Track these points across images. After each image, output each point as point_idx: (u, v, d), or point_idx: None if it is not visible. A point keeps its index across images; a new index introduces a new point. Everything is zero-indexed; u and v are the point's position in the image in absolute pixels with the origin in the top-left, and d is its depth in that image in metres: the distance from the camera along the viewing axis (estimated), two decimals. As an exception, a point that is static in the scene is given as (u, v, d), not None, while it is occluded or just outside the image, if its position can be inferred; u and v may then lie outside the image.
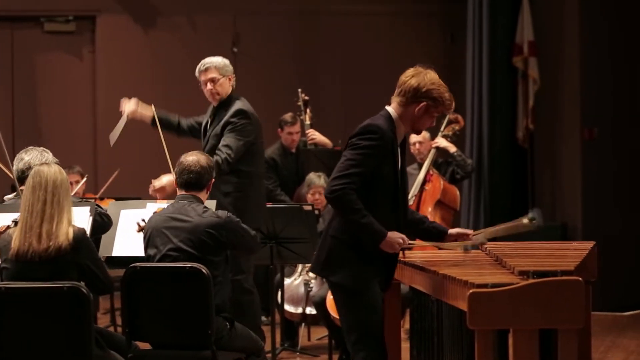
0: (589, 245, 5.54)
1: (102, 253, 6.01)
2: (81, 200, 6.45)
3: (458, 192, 8.84)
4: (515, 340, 4.37)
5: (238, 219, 5.73)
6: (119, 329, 7.93)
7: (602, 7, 10.18)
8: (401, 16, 11.85)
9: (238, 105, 7.02)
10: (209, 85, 7.05)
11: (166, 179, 6.83)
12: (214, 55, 7.17)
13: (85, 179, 8.71)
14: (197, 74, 7.12)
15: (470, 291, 4.36)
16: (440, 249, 5.55)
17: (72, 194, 5.70)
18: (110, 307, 9.13)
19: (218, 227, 5.57)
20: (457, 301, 4.61)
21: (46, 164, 5.33)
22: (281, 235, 7.26)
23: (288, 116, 9.46)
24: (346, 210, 4.91)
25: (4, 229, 5.40)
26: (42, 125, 11.77)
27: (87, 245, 5.24)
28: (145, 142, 11.44)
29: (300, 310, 8.21)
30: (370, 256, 5.01)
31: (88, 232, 5.50)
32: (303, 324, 8.43)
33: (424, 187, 8.65)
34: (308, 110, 9.52)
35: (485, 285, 4.37)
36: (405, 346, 5.80)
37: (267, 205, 7.32)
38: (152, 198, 6.49)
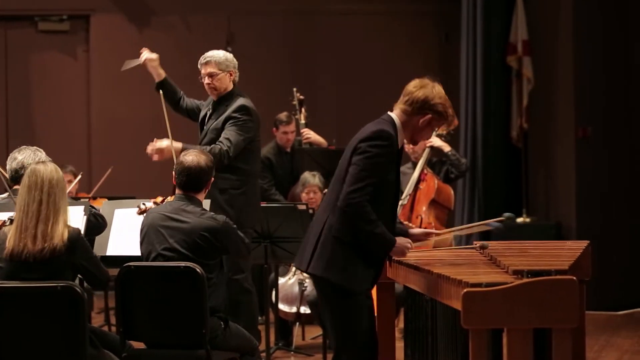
0: (583, 244, 5.54)
1: (96, 252, 5.98)
2: (74, 199, 6.45)
3: (452, 192, 8.84)
4: (510, 340, 4.37)
5: (235, 226, 5.72)
6: (113, 329, 7.91)
7: (596, 7, 10.18)
8: (395, 16, 11.85)
9: (241, 101, 7.02)
10: (207, 80, 7.06)
11: (166, 143, 6.83)
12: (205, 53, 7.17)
13: (79, 177, 8.68)
14: (199, 66, 7.13)
15: (465, 290, 4.36)
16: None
17: (66, 193, 5.69)
18: (105, 307, 9.12)
19: (214, 232, 5.56)
20: (452, 300, 4.61)
21: (42, 163, 5.31)
22: (275, 234, 7.25)
23: (283, 115, 9.46)
24: (362, 222, 4.93)
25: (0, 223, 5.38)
26: (36, 125, 11.76)
27: (81, 245, 5.24)
28: (140, 142, 11.45)
29: (294, 309, 8.21)
30: (371, 259, 5.04)
31: (82, 231, 5.50)
32: (297, 323, 8.43)
33: (418, 187, 8.65)
34: (303, 110, 9.52)
35: (479, 285, 4.37)
36: (399, 345, 5.80)
37: (262, 205, 7.32)
38: (146, 197, 6.43)
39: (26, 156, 5.83)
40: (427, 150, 8.73)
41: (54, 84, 11.77)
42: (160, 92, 7.16)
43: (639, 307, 10.10)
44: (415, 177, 8.65)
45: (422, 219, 8.51)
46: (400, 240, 5.05)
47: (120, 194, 8.49)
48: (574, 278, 4.40)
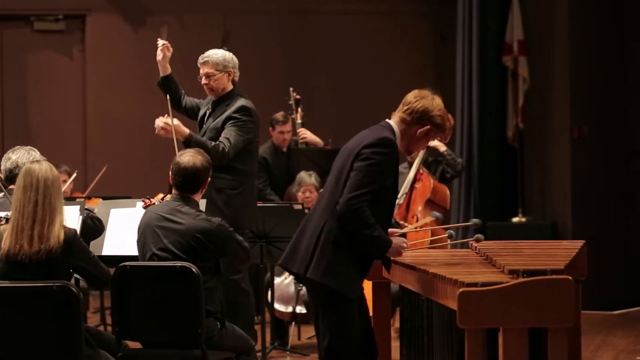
0: (578, 244, 5.55)
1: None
2: (69, 199, 6.44)
3: (448, 191, 8.84)
4: (505, 340, 4.37)
5: (231, 229, 5.69)
6: (109, 328, 7.91)
7: (591, 7, 10.19)
8: (391, 16, 11.85)
9: (242, 101, 7.01)
10: (204, 80, 7.05)
11: (177, 122, 6.82)
12: (204, 53, 7.15)
13: (74, 175, 8.66)
14: (198, 64, 7.11)
15: (460, 290, 4.36)
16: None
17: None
18: (100, 306, 9.11)
19: (207, 234, 5.53)
20: (447, 300, 4.61)
21: (37, 162, 5.28)
22: (271, 234, 7.25)
23: (279, 115, 9.45)
24: (360, 226, 4.94)
25: (-3, 220, 5.38)
26: (32, 124, 11.74)
27: (78, 245, 5.23)
28: (135, 142, 11.45)
29: (290, 309, 8.21)
30: (367, 264, 5.06)
31: (78, 231, 5.48)
32: (293, 323, 8.43)
33: (414, 186, 8.65)
34: (299, 109, 9.52)
35: (475, 284, 4.37)
36: (395, 345, 5.80)
37: (257, 204, 7.31)
38: (141, 196, 6.41)
39: (20, 156, 5.82)
40: (422, 150, 8.72)
41: (50, 83, 11.76)
42: (167, 97, 7.09)
43: (635, 306, 10.11)
44: (411, 176, 8.65)
45: (417, 218, 8.51)
46: (396, 239, 5.06)
47: (115, 193, 8.49)
48: (570, 278, 4.41)
